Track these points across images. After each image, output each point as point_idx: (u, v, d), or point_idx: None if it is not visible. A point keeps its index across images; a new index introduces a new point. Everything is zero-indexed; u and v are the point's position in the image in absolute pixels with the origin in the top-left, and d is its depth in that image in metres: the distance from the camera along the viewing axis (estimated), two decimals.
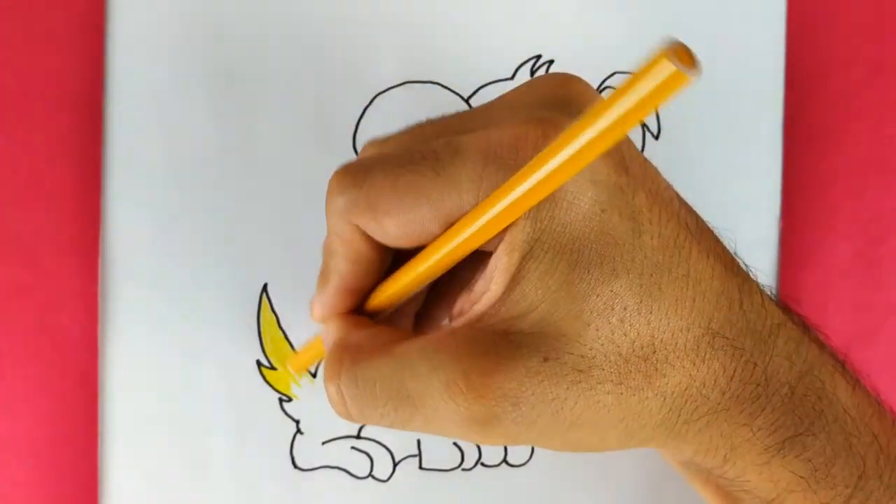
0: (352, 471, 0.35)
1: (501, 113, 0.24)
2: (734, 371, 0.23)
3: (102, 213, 0.33)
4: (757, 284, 0.25)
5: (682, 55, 0.16)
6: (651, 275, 0.22)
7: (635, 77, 0.17)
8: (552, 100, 0.24)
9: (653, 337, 0.23)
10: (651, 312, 0.22)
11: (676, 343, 0.23)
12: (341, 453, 0.35)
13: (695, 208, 0.26)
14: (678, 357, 0.23)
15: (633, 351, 0.23)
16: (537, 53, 0.35)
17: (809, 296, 0.36)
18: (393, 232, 0.24)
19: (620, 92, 0.18)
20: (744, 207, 0.36)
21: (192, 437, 0.34)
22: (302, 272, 0.34)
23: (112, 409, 0.34)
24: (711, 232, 0.25)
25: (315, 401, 0.34)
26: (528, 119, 0.23)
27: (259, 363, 0.34)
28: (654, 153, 0.35)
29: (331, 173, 0.34)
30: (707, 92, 0.36)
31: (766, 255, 0.36)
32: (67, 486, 0.33)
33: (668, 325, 0.23)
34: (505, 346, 0.22)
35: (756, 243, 0.36)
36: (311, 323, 0.34)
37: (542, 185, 0.21)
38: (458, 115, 0.26)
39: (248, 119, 0.34)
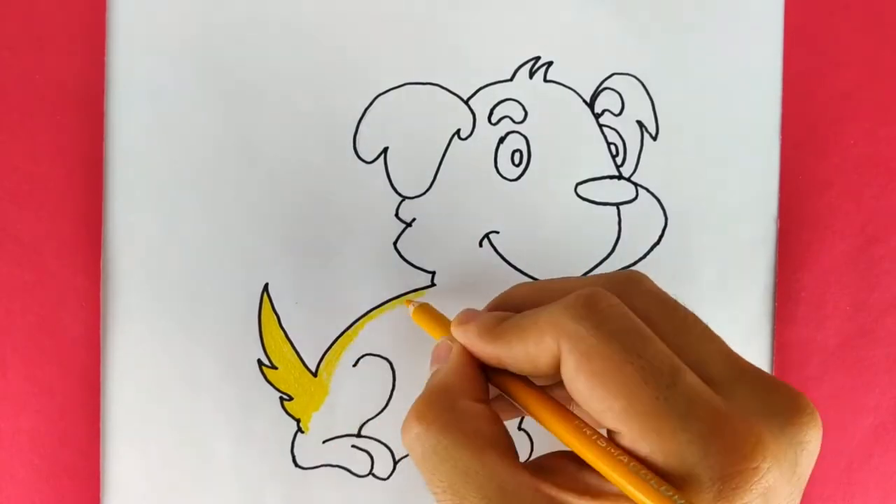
0: (352, 469, 0.35)
1: (741, 383, 0.25)
2: None
3: (104, 213, 0.34)
4: None
5: None
6: None
7: (646, 478, 0.19)
8: (781, 417, 0.24)
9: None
10: None
11: None
12: (342, 452, 0.35)
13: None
14: None
15: None
16: (536, 55, 0.35)
17: (807, 295, 0.36)
18: (581, 390, 0.24)
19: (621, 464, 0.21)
20: (742, 208, 0.36)
21: (193, 435, 0.34)
22: (302, 272, 0.34)
23: (114, 408, 0.34)
24: None
25: (315, 401, 0.35)
26: (754, 430, 0.23)
27: (260, 362, 0.34)
28: (653, 154, 0.36)
29: (331, 173, 0.34)
30: (705, 93, 0.36)
31: (764, 254, 0.36)
32: (69, 484, 0.34)
33: None
34: None
35: (754, 243, 0.36)
36: (311, 323, 0.34)
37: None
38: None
39: (249, 119, 0.34)
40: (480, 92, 0.35)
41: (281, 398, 0.34)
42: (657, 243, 0.36)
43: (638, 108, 0.35)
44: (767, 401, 0.24)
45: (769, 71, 0.36)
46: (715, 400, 0.23)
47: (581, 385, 0.24)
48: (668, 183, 0.36)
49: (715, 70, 0.36)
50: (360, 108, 0.34)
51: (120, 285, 0.34)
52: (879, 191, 0.36)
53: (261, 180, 0.34)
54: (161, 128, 0.34)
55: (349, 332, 0.35)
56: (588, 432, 0.24)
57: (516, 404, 0.27)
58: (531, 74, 0.35)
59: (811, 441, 0.24)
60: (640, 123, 0.35)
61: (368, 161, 0.34)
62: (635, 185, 0.35)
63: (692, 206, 0.36)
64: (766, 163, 0.36)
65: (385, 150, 0.34)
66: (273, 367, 0.34)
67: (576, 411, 0.26)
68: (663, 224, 0.36)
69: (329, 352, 0.34)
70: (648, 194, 0.35)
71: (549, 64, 0.35)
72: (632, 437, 0.23)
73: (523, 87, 0.35)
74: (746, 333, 0.36)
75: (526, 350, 0.26)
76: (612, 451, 0.23)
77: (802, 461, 0.24)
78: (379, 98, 0.34)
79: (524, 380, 0.27)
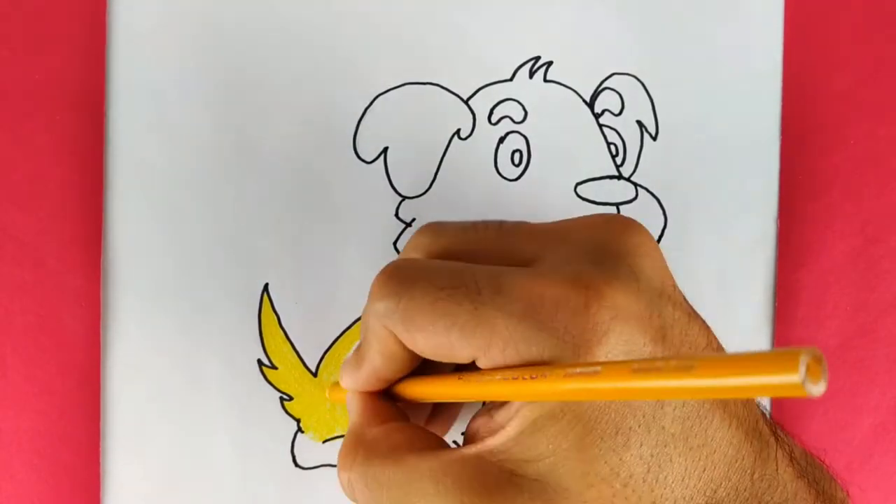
0: None
1: (555, 250, 0.25)
2: None
3: (104, 213, 0.34)
4: (777, 449, 0.25)
5: (814, 367, 0.15)
6: (665, 446, 0.23)
7: (754, 361, 0.16)
8: (605, 250, 0.24)
9: (653, 503, 0.23)
10: (656, 481, 0.23)
11: None
12: None
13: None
14: None
15: None
16: (536, 55, 0.35)
17: (807, 294, 0.36)
18: (423, 347, 0.25)
19: (725, 364, 0.16)
20: (742, 207, 0.36)
21: (193, 435, 0.34)
22: (302, 272, 0.34)
23: (114, 408, 0.34)
24: None
25: (315, 400, 0.35)
26: (574, 279, 0.23)
27: (260, 362, 0.34)
28: (653, 153, 0.36)
29: (331, 173, 0.34)
30: (705, 92, 0.36)
31: (764, 254, 0.36)
32: (69, 484, 0.33)
33: (672, 493, 0.23)
34: (508, 486, 0.23)
35: (754, 242, 0.36)
36: (311, 323, 0.34)
37: (585, 393, 0.21)
38: (514, 231, 0.26)
39: (249, 119, 0.34)
40: (480, 92, 0.35)
41: (281, 398, 0.34)
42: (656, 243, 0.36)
43: (638, 108, 0.35)
44: (578, 242, 0.25)
45: (769, 71, 0.36)
46: (522, 277, 0.23)
47: (422, 344, 0.24)
48: (668, 183, 0.36)
49: (715, 70, 0.36)
50: (360, 108, 0.34)
51: (120, 285, 0.34)
52: (879, 191, 0.36)
53: (261, 180, 0.34)
54: (161, 128, 0.34)
55: (350, 332, 0.35)
56: (466, 377, 0.25)
57: (423, 401, 0.28)
58: (531, 74, 0.35)
59: (640, 244, 0.24)
60: (639, 123, 0.35)
61: (368, 161, 0.34)
62: (635, 185, 0.35)
63: (692, 206, 0.36)
64: (766, 163, 0.36)
65: (385, 150, 0.35)
66: (273, 367, 0.34)
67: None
68: (663, 224, 0.36)
69: (329, 352, 0.34)
70: (648, 194, 0.35)
71: (549, 64, 0.35)
72: (483, 355, 0.23)
73: (523, 87, 0.35)
74: (746, 333, 0.36)
75: (380, 355, 0.26)
76: (497, 375, 0.23)
77: (642, 266, 0.24)
78: (379, 98, 0.34)
79: (418, 378, 0.27)
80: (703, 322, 0.25)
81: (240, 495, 0.34)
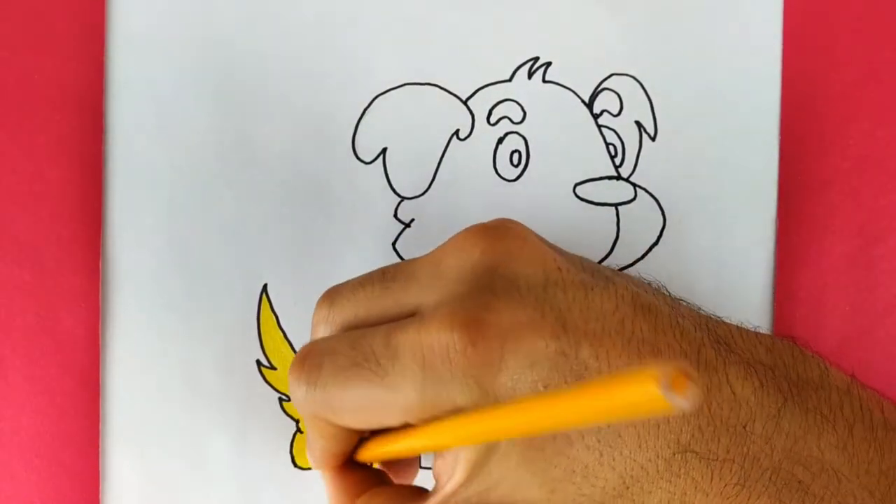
0: None
1: (432, 289, 0.25)
2: (711, 476, 0.24)
3: (104, 214, 0.34)
4: (725, 371, 0.25)
5: (679, 381, 0.14)
6: (607, 426, 0.23)
7: (610, 382, 0.16)
8: (476, 271, 0.24)
9: (622, 477, 0.23)
10: (614, 459, 0.23)
11: (647, 473, 0.23)
12: None
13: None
14: (653, 482, 0.23)
15: (606, 495, 0.23)
16: (535, 55, 0.35)
17: (806, 296, 0.36)
18: (352, 423, 0.26)
19: (583, 390, 0.16)
20: (740, 208, 0.36)
21: (192, 436, 0.34)
22: (302, 272, 0.34)
23: (113, 409, 0.34)
24: (675, 324, 0.25)
25: None
26: (453, 320, 0.23)
27: (259, 363, 0.34)
28: (652, 154, 0.35)
29: (329, 173, 0.35)
30: (704, 92, 0.36)
31: (763, 255, 0.36)
32: (69, 485, 0.34)
33: (636, 461, 0.23)
34: None
35: (753, 244, 0.36)
36: (310, 323, 0.34)
37: (489, 433, 0.22)
38: (394, 277, 0.26)
39: (248, 120, 0.34)
40: (479, 92, 0.35)
41: (280, 399, 0.34)
42: (656, 244, 0.36)
43: (636, 108, 0.35)
44: (451, 272, 0.25)
45: (769, 71, 0.36)
46: (411, 333, 0.23)
47: (349, 420, 0.25)
48: (667, 183, 0.36)
49: (714, 70, 0.36)
50: (358, 109, 0.34)
51: (120, 285, 0.34)
52: (879, 191, 0.36)
53: (260, 180, 0.34)
54: (161, 128, 0.34)
55: None
56: (405, 434, 0.25)
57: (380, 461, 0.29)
58: (530, 75, 0.35)
59: (507, 247, 0.24)
60: (638, 124, 0.35)
61: (367, 161, 0.35)
62: (634, 185, 0.35)
63: (691, 207, 0.36)
64: (766, 163, 0.36)
65: (384, 150, 0.35)
66: (272, 367, 0.34)
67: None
68: (662, 224, 0.36)
69: None
70: (647, 195, 0.35)
71: (548, 64, 0.35)
72: (409, 417, 0.24)
73: (522, 87, 0.35)
74: None
75: (324, 440, 0.27)
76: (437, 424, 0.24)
77: (516, 268, 0.24)
78: (378, 98, 0.34)
79: (369, 442, 0.28)
80: (606, 281, 0.25)
81: (239, 495, 0.34)
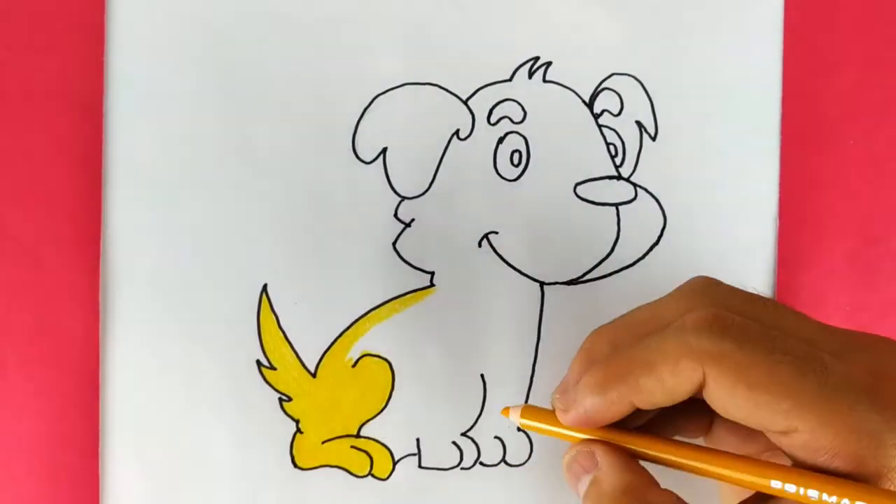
0: (351, 470, 0.35)
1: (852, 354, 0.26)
2: None
3: (103, 214, 0.34)
4: None
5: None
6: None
7: None
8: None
9: None
10: None
11: None
12: (341, 452, 0.35)
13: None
14: None
15: None
16: (536, 55, 0.35)
17: (806, 296, 0.36)
18: (734, 402, 0.25)
19: None
20: (741, 208, 0.36)
21: (192, 436, 0.34)
22: (302, 272, 0.34)
23: (113, 409, 0.34)
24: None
25: (314, 400, 0.35)
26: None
27: (259, 363, 0.34)
28: (652, 154, 0.35)
29: (330, 173, 0.34)
30: (704, 92, 0.36)
31: (764, 255, 0.36)
32: (68, 485, 0.34)
33: None
34: None
35: (753, 244, 0.36)
36: (310, 323, 0.34)
37: None
38: (799, 322, 0.27)
39: (248, 119, 0.34)
40: (479, 92, 0.35)
41: (280, 399, 0.34)
42: (656, 243, 0.36)
43: (637, 108, 0.35)
44: (877, 357, 0.26)
45: (769, 71, 0.36)
46: (857, 367, 0.25)
47: (741, 399, 0.24)
48: (667, 183, 0.36)
49: (714, 70, 0.36)
50: (359, 109, 0.34)
51: (119, 285, 0.34)
52: (879, 192, 0.36)
53: (260, 181, 0.34)
54: (160, 128, 0.34)
55: (348, 332, 0.35)
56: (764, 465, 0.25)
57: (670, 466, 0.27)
58: (530, 75, 0.35)
59: None
60: (639, 124, 0.35)
61: (367, 161, 0.34)
62: (634, 185, 0.35)
63: (691, 207, 0.36)
64: (766, 163, 0.36)
65: (384, 150, 0.35)
66: (272, 367, 0.34)
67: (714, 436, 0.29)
68: (662, 224, 0.36)
69: (328, 352, 0.34)
70: (647, 194, 0.35)
71: (549, 64, 0.35)
72: (810, 428, 0.24)
73: (522, 87, 0.35)
74: None
75: (661, 383, 0.25)
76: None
77: None
78: (378, 98, 0.34)
79: (662, 439, 0.27)
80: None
81: (239, 496, 0.34)
